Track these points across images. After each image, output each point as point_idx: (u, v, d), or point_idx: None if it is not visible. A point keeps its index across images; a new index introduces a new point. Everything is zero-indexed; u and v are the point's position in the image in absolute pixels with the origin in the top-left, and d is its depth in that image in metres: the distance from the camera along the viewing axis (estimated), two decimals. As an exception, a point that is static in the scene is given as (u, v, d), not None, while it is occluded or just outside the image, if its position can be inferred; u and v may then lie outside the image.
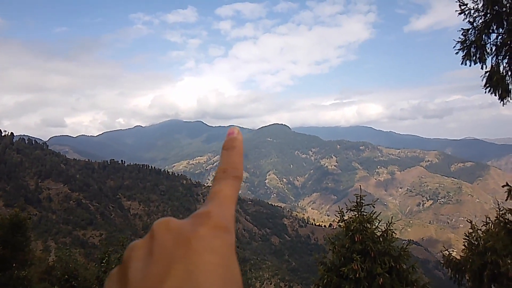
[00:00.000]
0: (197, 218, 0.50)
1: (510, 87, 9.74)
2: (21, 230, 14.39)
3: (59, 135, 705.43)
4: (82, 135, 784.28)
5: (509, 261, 10.24)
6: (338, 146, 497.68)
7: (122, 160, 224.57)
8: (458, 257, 12.04)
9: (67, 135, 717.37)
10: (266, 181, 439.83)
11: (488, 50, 9.88)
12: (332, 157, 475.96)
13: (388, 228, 10.39)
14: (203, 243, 0.49)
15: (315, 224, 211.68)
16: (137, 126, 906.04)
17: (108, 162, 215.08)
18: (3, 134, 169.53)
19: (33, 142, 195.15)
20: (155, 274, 0.48)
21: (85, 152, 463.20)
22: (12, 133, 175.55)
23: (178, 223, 0.50)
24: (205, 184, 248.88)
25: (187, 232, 0.49)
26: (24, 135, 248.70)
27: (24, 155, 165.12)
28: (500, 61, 9.80)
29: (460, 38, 10.08)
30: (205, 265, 0.48)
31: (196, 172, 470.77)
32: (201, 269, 0.48)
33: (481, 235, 11.45)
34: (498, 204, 10.61)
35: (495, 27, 9.61)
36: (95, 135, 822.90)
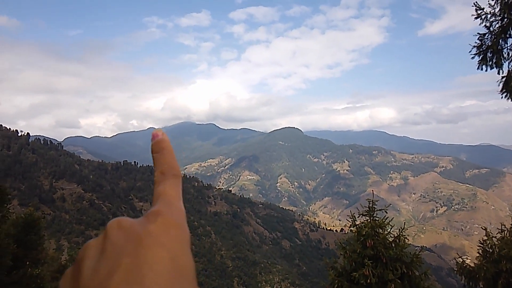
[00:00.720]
0: (148, 217, 0.52)
1: (527, 93, 9.59)
2: (34, 229, 14.61)
3: (73, 136, 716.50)
4: (95, 136, 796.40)
5: (525, 270, 10.04)
6: (350, 150, 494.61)
7: (134, 162, 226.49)
8: (472, 265, 11.84)
9: (81, 136, 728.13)
10: (278, 184, 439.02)
11: (505, 55, 9.74)
12: (344, 162, 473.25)
13: (401, 234, 10.27)
14: (152, 239, 0.51)
15: (326, 229, 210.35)
16: (150, 128, 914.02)
17: (121, 163, 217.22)
18: (19, 135, 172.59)
19: (48, 142, 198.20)
20: (105, 269, 0.49)
21: (99, 153, 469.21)
22: (28, 134, 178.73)
23: (130, 221, 0.52)
24: (216, 187, 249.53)
25: (138, 230, 0.51)
26: (39, 135, 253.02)
27: (39, 155, 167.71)
28: (517, 66, 9.65)
29: (476, 42, 9.96)
30: (152, 259, 0.50)
31: (208, 174, 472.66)
32: (148, 263, 0.50)
33: (496, 242, 11.25)
34: (514, 212, 10.43)
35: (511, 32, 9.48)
36: (108, 137, 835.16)
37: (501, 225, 11.53)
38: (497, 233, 11.52)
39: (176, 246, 0.51)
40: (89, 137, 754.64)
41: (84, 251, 0.51)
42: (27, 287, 13.47)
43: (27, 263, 14.00)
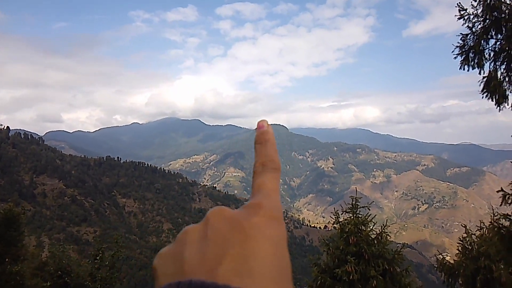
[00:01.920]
0: (250, 209, 0.51)
1: (507, 93, 9.78)
2: (14, 225, 14.31)
3: (55, 130, 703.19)
4: (78, 131, 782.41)
5: (502, 267, 10.27)
6: (335, 148, 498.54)
7: (118, 157, 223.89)
8: (452, 262, 12.07)
9: (64, 131, 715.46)
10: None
11: (487, 56, 9.90)
12: (328, 159, 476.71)
13: (383, 231, 10.39)
14: (257, 231, 0.50)
15: (310, 226, 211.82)
16: (134, 123, 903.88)
17: (104, 158, 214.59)
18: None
19: (29, 137, 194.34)
20: (212, 256, 0.49)
21: (81, 148, 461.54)
22: (8, 127, 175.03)
23: (232, 212, 0.51)
24: (201, 183, 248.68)
25: (241, 220, 0.51)
26: (20, 129, 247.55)
27: (19, 150, 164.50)
28: (498, 66, 9.82)
29: (459, 43, 10.10)
30: (259, 252, 0.50)
31: (192, 171, 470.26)
32: (256, 255, 0.50)
33: (475, 240, 11.49)
34: (493, 210, 10.64)
35: (493, 33, 9.64)
36: (91, 131, 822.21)
37: (480, 222, 11.76)
38: (476, 231, 11.76)
39: (279, 241, 0.52)
40: (71, 131, 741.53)
41: (184, 235, 0.51)
42: (6, 284, 13.21)
43: (7, 259, 13.71)
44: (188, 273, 0.49)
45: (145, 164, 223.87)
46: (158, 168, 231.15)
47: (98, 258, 15.34)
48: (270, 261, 0.50)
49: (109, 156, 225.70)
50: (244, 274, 0.49)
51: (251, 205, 0.52)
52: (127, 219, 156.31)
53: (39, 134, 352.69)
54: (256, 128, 0.59)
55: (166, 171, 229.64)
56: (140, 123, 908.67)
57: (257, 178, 0.54)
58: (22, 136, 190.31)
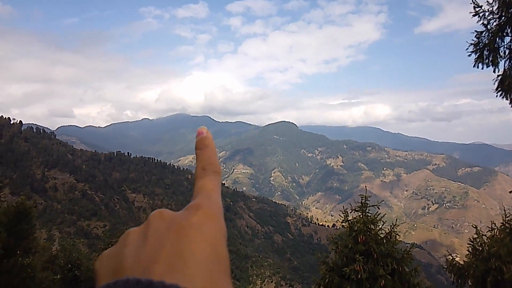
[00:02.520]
0: (189, 209, 0.54)
1: (522, 92, 9.61)
2: (26, 219, 14.50)
3: (66, 125, 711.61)
4: (89, 126, 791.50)
5: (514, 268, 10.13)
6: (344, 146, 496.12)
7: (128, 153, 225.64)
8: (462, 262, 11.93)
9: (75, 126, 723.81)
10: (271, 178, 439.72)
11: (501, 54, 9.74)
12: (338, 157, 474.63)
13: (392, 230, 10.32)
14: (194, 230, 0.53)
15: (318, 224, 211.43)
16: (144, 119, 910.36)
17: (115, 154, 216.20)
18: (11, 123, 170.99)
19: (41, 131, 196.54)
20: (149, 255, 0.52)
21: (92, 143, 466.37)
22: (20, 122, 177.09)
23: (172, 213, 0.54)
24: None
25: (179, 220, 0.54)
26: (32, 124, 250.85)
27: (31, 144, 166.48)
28: (513, 65, 9.67)
29: (473, 40, 9.95)
30: (195, 249, 0.53)
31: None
32: (191, 252, 0.53)
33: (486, 240, 11.34)
34: (505, 210, 10.50)
35: (509, 30, 9.48)
36: (102, 127, 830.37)
37: (492, 223, 11.60)
38: (487, 232, 11.61)
39: (215, 238, 0.54)
40: (82, 126, 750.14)
41: (125, 237, 0.54)
42: (18, 276, 13.40)
43: (18, 252, 13.91)
44: (125, 272, 0.52)
45: (154, 159, 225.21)
46: (167, 163, 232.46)
47: (107, 252, 15.44)
48: (205, 258, 0.53)
49: (119, 151, 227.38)
50: (179, 271, 0.52)
51: (191, 206, 0.55)
52: (137, 214, 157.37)
53: (50, 128, 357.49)
54: (196, 135, 0.62)
55: (176, 167, 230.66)
56: (150, 119, 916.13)
57: (198, 181, 0.57)
58: (34, 130, 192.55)
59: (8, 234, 13.69)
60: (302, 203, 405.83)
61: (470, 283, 11.48)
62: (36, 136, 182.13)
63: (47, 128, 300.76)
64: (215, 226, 0.54)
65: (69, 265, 15.48)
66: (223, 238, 0.54)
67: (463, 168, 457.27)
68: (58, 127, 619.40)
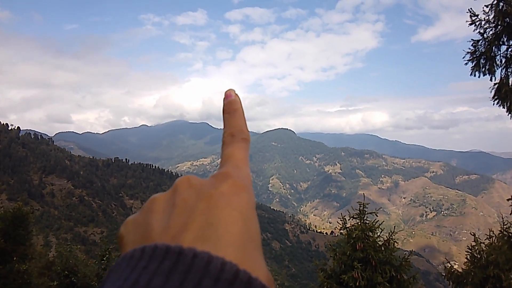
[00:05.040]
0: (217, 178, 0.51)
1: (518, 100, 9.69)
2: (23, 224, 14.44)
3: (64, 131, 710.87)
4: (87, 132, 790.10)
5: (512, 276, 10.14)
6: (342, 153, 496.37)
7: (126, 159, 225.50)
8: (460, 270, 11.93)
9: (73, 132, 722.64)
10: (269, 185, 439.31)
11: (498, 62, 9.84)
12: (336, 164, 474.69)
13: (390, 237, 10.32)
14: (223, 199, 0.50)
15: (316, 231, 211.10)
16: (142, 125, 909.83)
17: (112, 160, 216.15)
18: (9, 128, 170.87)
19: (39, 137, 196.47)
20: (178, 224, 0.49)
21: (90, 149, 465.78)
22: (18, 128, 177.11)
23: (200, 180, 0.51)
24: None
25: (208, 189, 0.50)
26: (30, 129, 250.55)
27: (29, 150, 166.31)
28: (509, 73, 9.77)
29: (470, 48, 10.05)
30: (225, 219, 0.50)
31: (200, 173, 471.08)
32: (221, 222, 0.49)
33: (484, 248, 11.35)
34: (502, 218, 10.53)
35: (505, 39, 9.58)
36: (100, 133, 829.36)
37: (490, 231, 11.62)
38: (485, 239, 11.62)
39: (247, 210, 0.50)
40: (80, 132, 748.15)
41: (151, 203, 0.50)
42: (14, 282, 13.33)
43: (15, 258, 13.84)
44: (154, 239, 0.49)
45: (152, 166, 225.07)
46: (165, 170, 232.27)
47: (105, 258, 15.43)
48: (236, 229, 0.50)
49: (117, 157, 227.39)
50: (209, 240, 0.49)
51: (219, 175, 0.51)
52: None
53: (48, 134, 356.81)
54: (224, 98, 0.59)
55: (174, 173, 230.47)
56: (149, 125, 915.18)
57: (225, 148, 0.55)
58: (32, 136, 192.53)
59: (4, 239, 13.64)
60: (300, 210, 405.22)
61: (468, 291, 11.48)
62: (34, 142, 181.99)
63: (45, 134, 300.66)
64: (246, 198, 0.51)
65: (66, 272, 15.37)
66: (254, 209, 0.51)
67: (461, 176, 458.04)
68: (56, 133, 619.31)
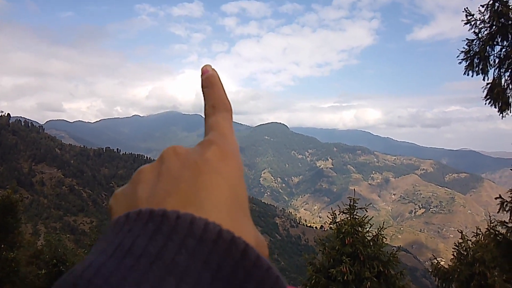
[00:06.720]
0: (202, 145, 0.52)
1: (510, 100, 9.78)
2: (11, 212, 14.31)
3: (56, 119, 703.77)
4: (79, 121, 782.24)
5: (497, 273, 10.30)
6: (335, 148, 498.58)
7: (117, 149, 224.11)
8: (447, 266, 12.08)
9: (64, 120, 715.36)
10: (261, 179, 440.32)
11: (491, 62, 9.92)
12: (328, 159, 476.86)
13: (379, 233, 10.42)
14: (209, 166, 0.50)
15: (306, 225, 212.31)
16: (135, 115, 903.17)
17: (104, 150, 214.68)
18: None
19: (30, 124, 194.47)
20: (162, 191, 0.49)
21: (81, 138, 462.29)
22: (8, 114, 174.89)
23: (186, 149, 0.52)
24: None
25: (194, 156, 0.51)
26: (20, 117, 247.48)
27: (19, 137, 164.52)
28: (502, 73, 9.84)
29: (464, 48, 10.11)
30: (209, 184, 0.49)
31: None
32: (206, 188, 0.49)
33: (471, 245, 11.50)
34: (490, 216, 10.66)
35: (499, 39, 9.64)
36: (92, 122, 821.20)
37: (477, 229, 11.78)
38: (472, 237, 11.78)
39: (232, 175, 0.50)
40: (72, 121, 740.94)
41: (138, 174, 0.52)
42: (2, 270, 13.24)
43: (3, 246, 13.74)
44: (139, 207, 0.47)
45: (144, 156, 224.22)
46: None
47: (94, 248, 15.35)
48: (222, 194, 0.48)
49: (109, 147, 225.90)
50: (193, 204, 0.47)
51: (204, 142, 0.52)
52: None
53: (39, 122, 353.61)
54: (201, 74, 0.60)
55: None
56: (141, 115, 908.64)
57: (208, 119, 0.56)
58: (23, 123, 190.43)
59: (-8, 227, 13.53)
60: (291, 204, 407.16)
61: (454, 287, 11.63)
62: (24, 130, 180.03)
63: (36, 121, 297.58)
64: (231, 163, 0.51)
65: (54, 260, 15.31)
66: (241, 176, 0.51)
67: (451, 174, 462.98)
68: (47, 121, 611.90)
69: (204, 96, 0.58)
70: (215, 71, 0.60)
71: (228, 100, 0.58)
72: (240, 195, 0.50)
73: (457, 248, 11.77)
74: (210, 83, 0.58)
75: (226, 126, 0.55)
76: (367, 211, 10.95)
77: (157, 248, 0.44)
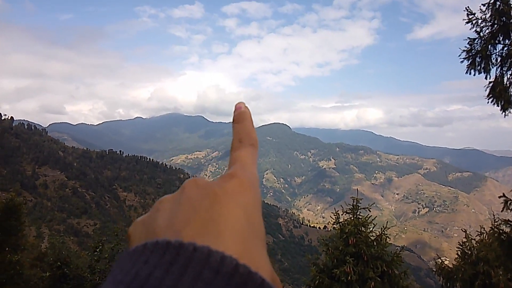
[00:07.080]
0: (223, 178, 0.53)
1: (512, 99, 9.76)
2: (15, 215, 14.34)
3: (58, 122, 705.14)
4: (81, 123, 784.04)
5: (501, 272, 10.25)
6: (337, 148, 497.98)
7: (120, 151, 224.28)
8: (450, 266, 12.03)
9: (67, 123, 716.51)
10: (264, 180, 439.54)
11: (493, 61, 9.89)
12: (330, 159, 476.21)
13: (383, 232, 10.39)
14: (228, 197, 0.51)
15: (309, 225, 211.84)
16: (137, 117, 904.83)
17: (106, 152, 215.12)
18: (2, 118, 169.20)
19: (32, 127, 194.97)
20: (181, 220, 0.51)
21: (84, 140, 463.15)
22: (12, 117, 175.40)
23: (207, 181, 0.52)
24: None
25: (214, 188, 0.52)
26: (23, 120, 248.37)
27: (22, 140, 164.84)
28: (504, 72, 9.81)
29: (466, 47, 10.08)
30: (228, 215, 0.51)
31: (194, 167, 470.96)
32: (223, 218, 0.51)
33: (475, 245, 11.45)
34: (494, 215, 10.62)
35: (501, 38, 9.62)
36: (94, 124, 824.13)
37: (481, 228, 11.73)
38: (476, 236, 11.73)
39: (250, 207, 0.52)
40: (74, 124, 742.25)
41: (159, 203, 0.52)
42: (5, 273, 13.27)
43: (7, 249, 13.76)
44: (158, 236, 0.51)
45: (146, 158, 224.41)
46: (159, 163, 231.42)
47: (97, 250, 15.37)
48: (240, 225, 0.51)
49: (111, 149, 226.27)
50: (210, 235, 0.50)
51: (225, 175, 0.53)
52: (128, 213, 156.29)
53: (42, 125, 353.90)
54: (234, 110, 0.62)
55: (168, 166, 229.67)
56: (144, 117, 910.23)
57: (234, 152, 0.57)
58: (26, 126, 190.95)
59: (-4, 230, 13.56)
60: (293, 205, 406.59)
61: (458, 287, 11.59)
62: (27, 132, 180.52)
63: (39, 124, 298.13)
64: (250, 195, 0.52)
65: (58, 263, 15.32)
66: (259, 208, 0.53)
67: (454, 173, 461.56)
68: (49, 124, 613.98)
69: (233, 130, 0.60)
70: (248, 108, 0.63)
71: (255, 136, 0.60)
72: (257, 226, 0.52)
73: (461, 247, 11.72)
74: (241, 118, 0.60)
75: (249, 160, 0.57)
76: (370, 211, 10.92)
77: (173, 280, 0.45)
